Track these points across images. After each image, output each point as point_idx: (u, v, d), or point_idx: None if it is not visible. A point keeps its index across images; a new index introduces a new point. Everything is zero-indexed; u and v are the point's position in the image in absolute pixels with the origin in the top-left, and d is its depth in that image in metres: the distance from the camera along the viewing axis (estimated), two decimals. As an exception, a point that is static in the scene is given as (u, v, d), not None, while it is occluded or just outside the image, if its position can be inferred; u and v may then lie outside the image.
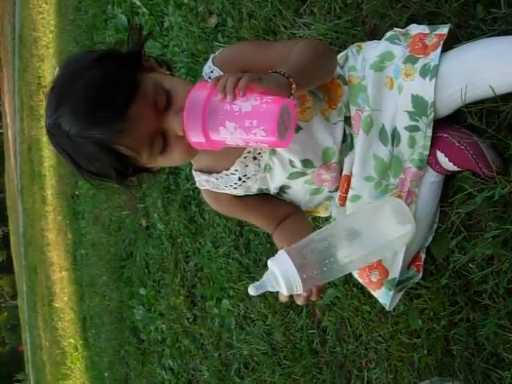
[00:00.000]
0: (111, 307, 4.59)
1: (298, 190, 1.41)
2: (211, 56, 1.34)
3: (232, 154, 1.33)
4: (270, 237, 2.18)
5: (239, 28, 2.29)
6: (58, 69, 1.22)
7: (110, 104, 1.09)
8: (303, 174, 1.36)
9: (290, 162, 1.33)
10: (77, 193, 5.98)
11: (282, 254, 1.14)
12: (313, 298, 1.17)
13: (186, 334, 3.08)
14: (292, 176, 1.37)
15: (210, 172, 1.37)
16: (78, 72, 1.14)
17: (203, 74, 1.32)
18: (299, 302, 1.18)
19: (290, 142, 1.08)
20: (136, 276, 3.85)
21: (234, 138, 1.05)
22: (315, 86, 1.31)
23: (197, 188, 1.45)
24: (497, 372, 1.36)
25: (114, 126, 1.09)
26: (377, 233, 1.23)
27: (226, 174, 1.35)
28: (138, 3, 3.37)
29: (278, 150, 1.32)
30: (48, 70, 7.83)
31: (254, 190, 1.40)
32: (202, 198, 1.49)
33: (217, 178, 1.37)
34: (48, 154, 7.66)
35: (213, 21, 2.51)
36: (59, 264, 7.82)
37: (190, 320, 3.03)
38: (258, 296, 2.31)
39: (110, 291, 4.60)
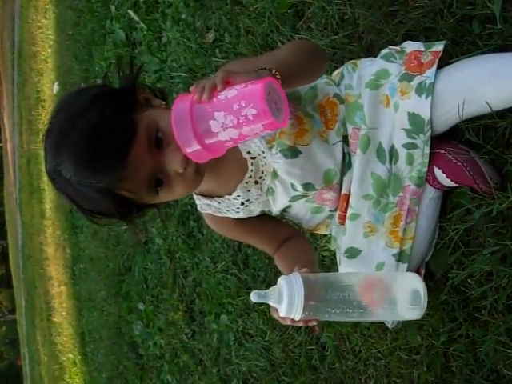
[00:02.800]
0: (110, 322, 4.57)
1: (299, 209, 1.41)
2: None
3: (234, 178, 1.33)
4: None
5: (237, 43, 2.30)
6: (53, 110, 1.21)
7: (110, 152, 1.10)
8: (305, 196, 1.36)
9: (292, 185, 1.33)
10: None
11: (296, 277, 1.12)
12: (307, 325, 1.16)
13: (184, 350, 3.06)
14: (294, 199, 1.37)
15: (211, 196, 1.37)
16: (74, 117, 1.13)
17: None
18: (285, 322, 1.16)
19: (287, 123, 1.05)
20: (134, 291, 3.83)
21: (227, 129, 1.01)
22: (304, 84, 1.30)
23: (195, 203, 1.44)
24: (497, 389, 1.36)
25: (115, 174, 1.10)
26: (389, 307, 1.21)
27: (228, 199, 1.35)
28: (136, 18, 3.39)
29: (280, 174, 1.31)
30: (47, 85, 7.84)
31: (256, 213, 1.40)
32: (201, 214, 1.48)
33: (219, 203, 1.36)
34: (47, 169, 7.63)
35: (210, 36, 2.52)
36: (58, 278, 7.79)
37: (189, 335, 3.01)
38: (257, 312, 2.31)
39: (108, 306, 4.58)
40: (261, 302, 1.13)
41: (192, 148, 1.04)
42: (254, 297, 1.12)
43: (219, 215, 1.38)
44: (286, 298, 1.10)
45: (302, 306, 1.09)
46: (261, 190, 1.35)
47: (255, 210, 1.38)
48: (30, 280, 11.13)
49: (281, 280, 1.13)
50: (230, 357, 2.56)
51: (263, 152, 1.30)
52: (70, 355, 7.21)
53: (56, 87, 6.81)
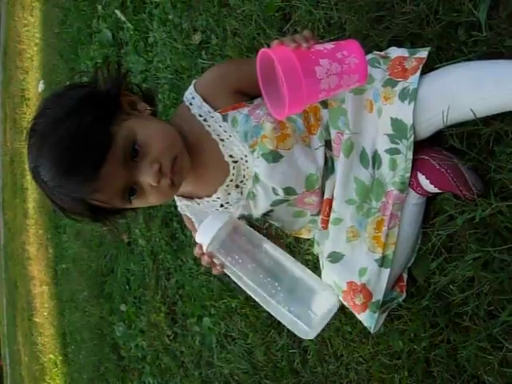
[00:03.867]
0: (91, 323, 4.53)
1: (282, 213, 1.41)
2: (193, 82, 1.35)
3: (214, 181, 1.33)
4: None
5: (223, 46, 2.29)
6: (38, 108, 1.24)
7: (83, 165, 1.14)
8: (286, 200, 1.36)
9: (273, 189, 1.33)
10: (59, 207, 5.92)
11: (225, 214, 1.17)
12: (213, 270, 1.23)
13: (166, 352, 3.04)
14: (275, 203, 1.37)
15: (191, 197, 1.37)
16: (56, 121, 1.17)
17: (184, 99, 1.34)
18: (203, 260, 1.22)
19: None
20: (117, 292, 3.80)
21: (330, 76, 1.06)
22: None
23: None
24: (477, 395, 1.36)
25: (86, 187, 1.15)
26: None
27: (207, 201, 1.36)
28: (123, 18, 3.37)
29: (261, 178, 1.32)
30: (32, 83, 7.78)
31: (236, 216, 1.39)
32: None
33: (198, 204, 1.37)
34: (30, 167, 7.59)
35: (197, 38, 2.51)
36: (40, 278, 7.72)
37: (171, 337, 3.00)
38: (239, 315, 2.30)
39: (90, 307, 4.54)
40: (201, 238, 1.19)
41: (297, 95, 1.05)
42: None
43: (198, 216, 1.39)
44: (203, 224, 1.14)
45: (212, 234, 1.16)
46: (241, 193, 1.35)
47: (235, 212, 1.38)
48: (12, 280, 11.02)
49: (211, 216, 1.20)
50: (211, 359, 2.55)
51: (245, 156, 1.30)
52: (51, 356, 7.15)
53: (41, 86, 6.76)
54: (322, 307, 1.19)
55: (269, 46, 2.00)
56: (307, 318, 1.18)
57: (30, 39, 7.92)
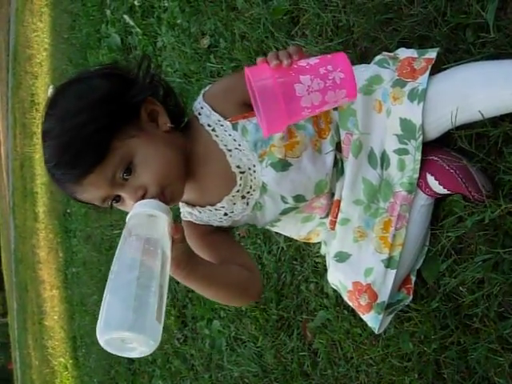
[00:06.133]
0: (102, 327, 4.54)
1: (289, 221, 1.41)
2: (202, 91, 1.34)
3: (220, 191, 1.32)
4: (260, 257, 2.18)
5: (231, 49, 2.30)
6: (62, 88, 1.23)
7: (67, 170, 1.16)
8: (295, 208, 1.36)
9: (282, 198, 1.33)
10: (68, 211, 5.95)
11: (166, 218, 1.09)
12: None
13: (176, 355, 3.05)
14: (284, 211, 1.36)
15: (193, 205, 1.36)
16: (70, 112, 1.17)
17: (193, 109, 1.33)
18: None
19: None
20: (127, 295, 3.81)
21: (312, 93, 1.01)
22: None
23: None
24: (488, 397, 1.36)
25: (66, 187, 1.19)
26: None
27: (210, 210, 1.34)
28: (132, 23, 3.39)
29: (270, 187, 1.31)
30: (41, 88, 7.82)
31: (240, 223, 1.40)
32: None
33: (200, 212, 1.35)
34: (40, 172, 7.63)
35: (205, 42, 2.52)
36: (50, 282, 7.75)
37: (181, 340, 3.00)
38: (249, 318, 2.30)
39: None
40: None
41: (274, 115, 1.02)
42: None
43: (200, 223, 1.38)
44: (155, 203, 1.12)
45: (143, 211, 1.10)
46: (247, 204, 1.34)
47: (239, 221, 1.38)
48: (22, 283, 11.07)
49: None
50: (221, 362, 2.56)
51: (253, 166, 1.29)
52: (62, 359, 7.17)
53: (51, 91, 6.79)
54: (134, 338, 0.98)
55: (277, 49, 2.03)
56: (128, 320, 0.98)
57: (39, 44, 7.96)
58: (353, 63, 1.60)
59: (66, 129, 1.15)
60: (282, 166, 1.29)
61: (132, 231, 1.07)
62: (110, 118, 1.17)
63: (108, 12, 3.88)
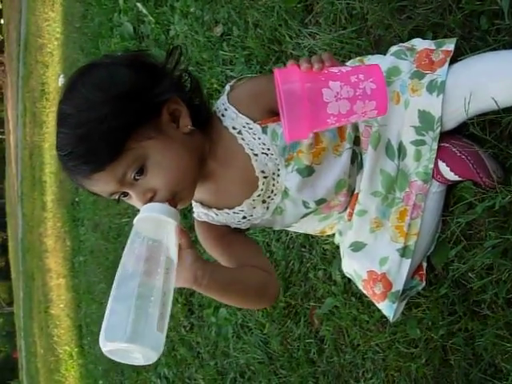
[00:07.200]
0: (108, 315, 4.56)
1: (306, 221, 1.40)
2: (226, 89, 1.29)
3: (240, 195, 1.30)
4: (269, 245, 2.18)
5: (245, 37, 2.31)
6: (86, 74, 1.17)
7: (78, 163, 1.12)
8: (315, 210, 1.36)
9: (304, 203, 1.33)
10: (77, 199, 5.98)
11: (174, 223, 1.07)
12: None
13: (182, 343, 3.06)
14: (306, 215, 1.37)
15: (209, 206, 1.33)
16: (91, 102, 1.11)
17: (215, 108, 1.28)
18: None
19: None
20: (134, 283, 3.83)
21: (340, 101, 0.97)
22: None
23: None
24: (494, 383, 1.36)
25: (75, 179, 1.16)
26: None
27: (227, 213, 1.32)
28: (145, 11, 3.39)
29: (291, 193, 1.30)
30: (52, 77, 7.85)
31: (260, 226, 1.39)
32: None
33: (216, 214, 1.33)
34: (49, 161, 7.67)
35: (218, 30, 2.53)
36: (57, 271, 7.80)
37: (187, 328, 3.02)
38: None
39: (107, 299, 4.57)
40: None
41: (297, 120, 0.99)
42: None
43: (217, 224, 1.35)
44: (166, 208, 1.09)
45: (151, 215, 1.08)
46: (267, 209, 1.33)
47: (258, 224, 1.37)
48: (29, 272, 11.14)
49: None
50: (227, 350, 2.57)
51: (278, 170, 1.28)
52: (67, 348, 7.22)
53: (61, 80, 6.83)
54: (138, 347, 0.99)
55: (291, 37, 2.03)
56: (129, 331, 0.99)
57: (50, 34, 7.99)
58: (366, 51, 1.63)
59: (83, 120, 1.10)
60: (308, 172, 1.29)
61: (138, 235, 1.06)
62: (130, 116, 1.12)
63: (121, 1, 3.88)
